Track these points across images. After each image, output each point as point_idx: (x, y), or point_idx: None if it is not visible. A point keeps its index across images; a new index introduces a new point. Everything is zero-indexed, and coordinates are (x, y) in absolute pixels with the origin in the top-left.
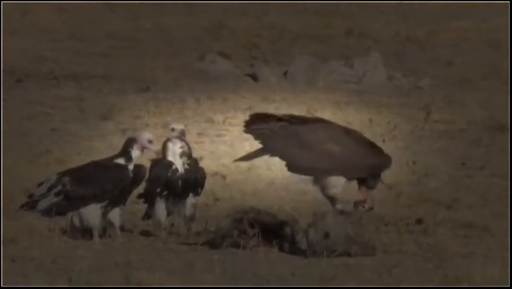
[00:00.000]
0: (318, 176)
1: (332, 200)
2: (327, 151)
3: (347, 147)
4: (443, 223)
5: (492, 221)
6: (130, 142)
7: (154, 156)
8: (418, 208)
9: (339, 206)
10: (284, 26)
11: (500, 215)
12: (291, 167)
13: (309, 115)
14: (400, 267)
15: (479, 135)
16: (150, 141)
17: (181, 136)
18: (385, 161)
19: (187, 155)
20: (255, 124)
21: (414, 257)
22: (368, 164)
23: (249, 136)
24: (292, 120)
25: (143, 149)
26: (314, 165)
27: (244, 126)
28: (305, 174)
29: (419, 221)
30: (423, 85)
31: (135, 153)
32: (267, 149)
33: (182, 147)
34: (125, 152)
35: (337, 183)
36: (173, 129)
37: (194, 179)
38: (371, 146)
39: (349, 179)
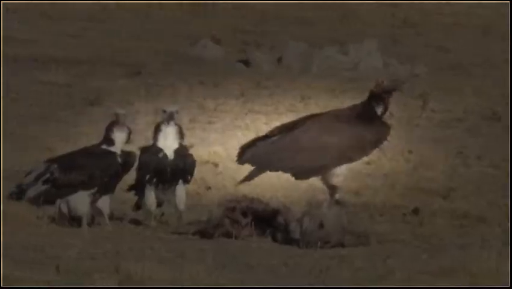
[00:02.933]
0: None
1: (333, 189)
2: (325, 145)
3: (343, 134)
4: (438, 213)
5: (488, 212)
6: (110, 126)
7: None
8: (413, 197)
9: (337, 196)
10: (276, 10)
11: (496, 205)
12: (297, 176)
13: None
14: (395, 257)
15: (476, 125)
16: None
17: (172, 118)
18: (384, 130)
19: (179, 139)
20: (246, 153)
21: (409, 248)
22: (368, 141)
23: (240, 124)
24: (280, 130)
25: (129, 131)
26: (318, 164)
27: (237, 160)
28: (313, 176)
29: (415, 211)
30: (419, 72)
31: (117, 136)
32: (263, 167)
33: (175, 130)
34: (107, 136)
35: (340, 172)
36: (164, 111)
37: (183, 166)
38: (365, 122)
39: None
